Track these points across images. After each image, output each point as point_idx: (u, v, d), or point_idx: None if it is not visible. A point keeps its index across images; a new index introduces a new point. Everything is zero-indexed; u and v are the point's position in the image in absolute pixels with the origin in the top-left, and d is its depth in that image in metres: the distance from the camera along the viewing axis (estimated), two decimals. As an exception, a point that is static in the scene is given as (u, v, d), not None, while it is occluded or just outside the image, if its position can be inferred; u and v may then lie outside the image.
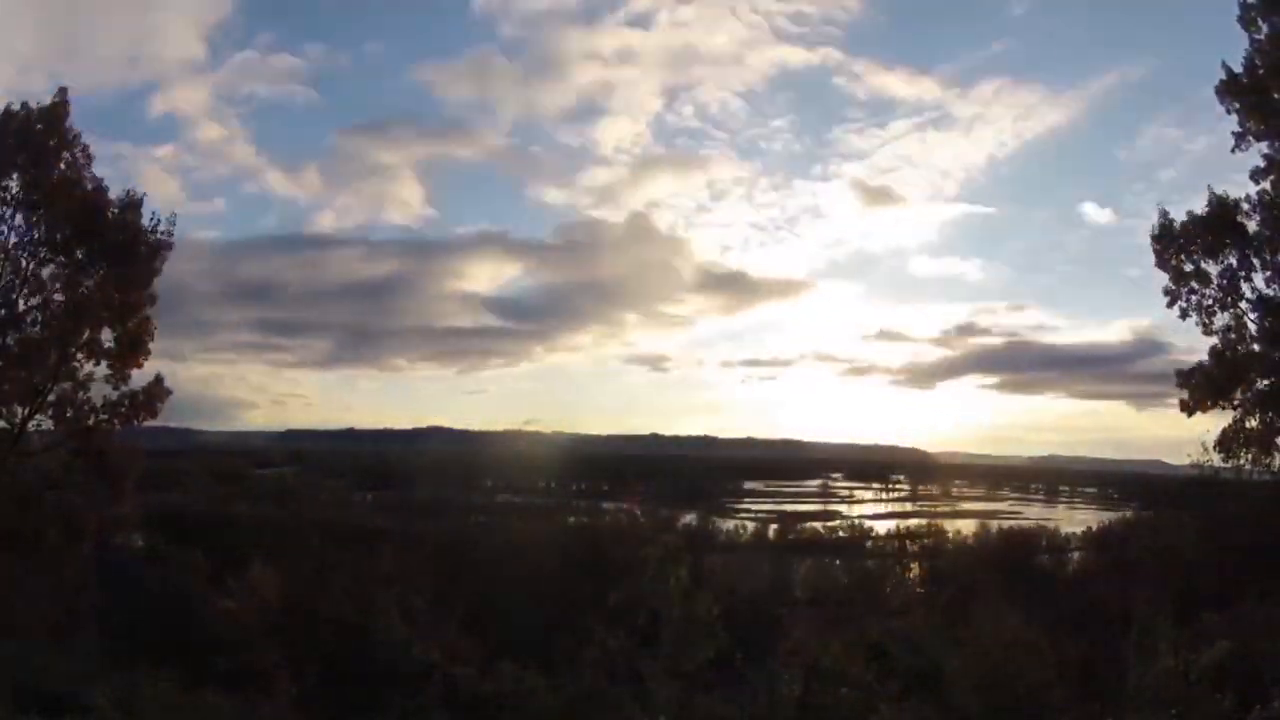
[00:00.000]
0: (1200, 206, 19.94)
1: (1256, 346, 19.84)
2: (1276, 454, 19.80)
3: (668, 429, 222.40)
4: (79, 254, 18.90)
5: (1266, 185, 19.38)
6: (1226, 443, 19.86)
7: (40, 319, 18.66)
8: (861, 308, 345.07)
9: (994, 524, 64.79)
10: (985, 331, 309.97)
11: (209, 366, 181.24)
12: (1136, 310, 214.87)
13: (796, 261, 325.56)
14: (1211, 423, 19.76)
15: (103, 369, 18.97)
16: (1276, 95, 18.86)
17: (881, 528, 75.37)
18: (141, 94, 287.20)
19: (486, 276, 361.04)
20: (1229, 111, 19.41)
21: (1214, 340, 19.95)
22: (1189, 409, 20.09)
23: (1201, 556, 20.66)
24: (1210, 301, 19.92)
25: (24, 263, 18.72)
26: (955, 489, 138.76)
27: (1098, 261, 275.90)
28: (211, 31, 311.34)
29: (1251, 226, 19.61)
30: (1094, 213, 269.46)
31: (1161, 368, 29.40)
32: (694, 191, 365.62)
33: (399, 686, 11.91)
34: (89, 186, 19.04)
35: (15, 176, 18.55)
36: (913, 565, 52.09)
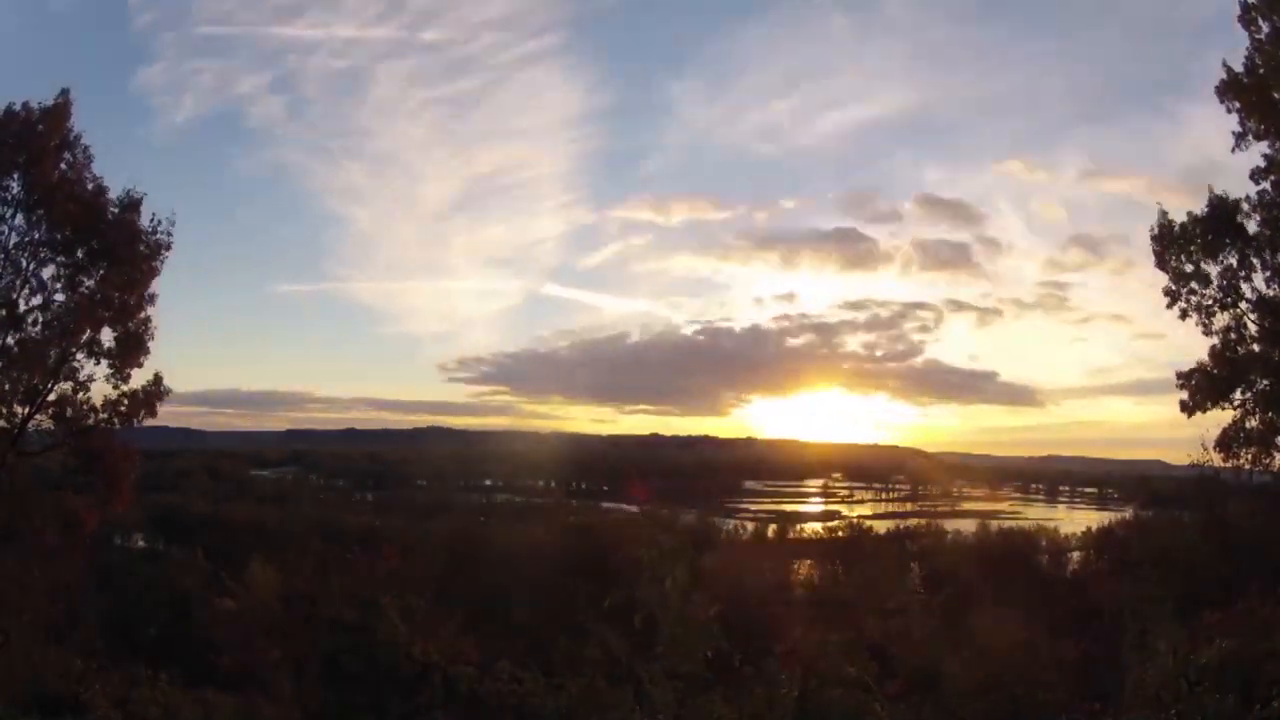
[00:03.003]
0: (1200, 207, 19.95)
1: (1256, 347, 19.84)
2: (1276, 454, 19.80)
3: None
4: (79, 254, 18.93)
5: (1266, 185, 19.38)
6: (1226, 443, 19.87)
7: (40, 319, 18.70)
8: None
9: (994, 524, 64.72)
10: None
11: None
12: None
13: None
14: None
15: (103, 369, 19.02)
16: (1276, 95, 18.85)
17: (881, 527, 75.29)
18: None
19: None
20: (1229, 111, 19.41)
21: (1214, 340, 19.97)
22: (1189, 409, 20.11)
23: (1201, 556, 20.64)
24: (1210, 302, 19.93)
25: (24, 263, 18.76)
26: (955, 489, 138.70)
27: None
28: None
29: (1251, 226, 19.61)
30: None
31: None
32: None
33: (399, 686, 11.90)
34: (89, 187, 19.07)
35: (16, 177, 18.58)
36: (912, 565, 51.99)
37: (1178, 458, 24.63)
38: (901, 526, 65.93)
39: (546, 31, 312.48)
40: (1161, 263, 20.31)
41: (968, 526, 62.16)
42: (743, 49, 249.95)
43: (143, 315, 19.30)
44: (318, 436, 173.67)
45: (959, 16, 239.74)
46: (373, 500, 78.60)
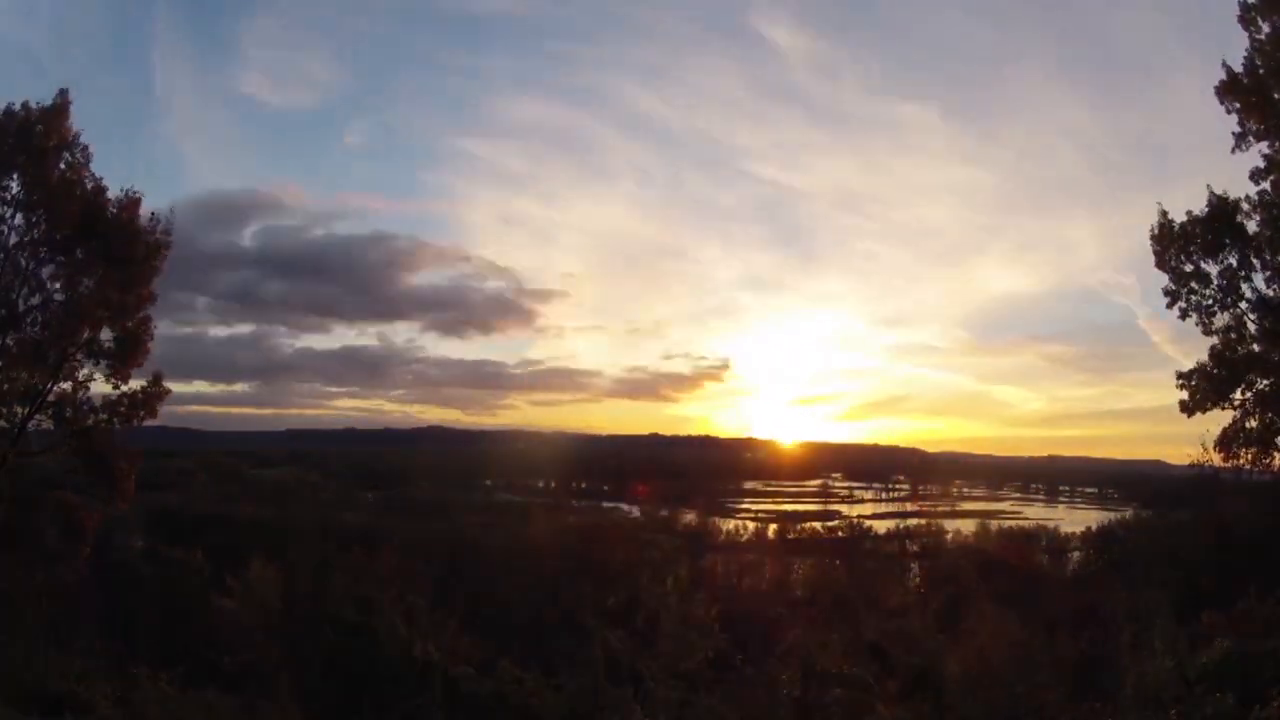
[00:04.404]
0: (1200, 206, 19.92)
1: (1256, 347, 19.82)
2: (1276, 454, 19.78)
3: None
4: (79, 254, 18.85)
5: (1266, 185, 19.36)
6: (1226, 443, 19.84)
7: (40, 319, 18.62)
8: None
9: (994, 524, 64.75)
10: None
11: None
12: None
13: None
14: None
15: (103, 369, 18.96)
16: (1276, 95, 18.83)
17: (881, 527, 75.16)
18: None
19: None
20: (1229, 111, 19.36)
21: (1214, 340, 19.93)
22: (1189, 409, 20.06)
23: (1201, 556, 20.66)
24: (1210, 302, 19.88)
25: (24, 263, 18.69)
26: (955, 489, 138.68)
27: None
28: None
29: (1251, 226, 19.58)
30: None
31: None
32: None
33: (399, 686, 11.92)
34: (89, 186, 19.00)
35: (15, 176, 18.51)
36: (912, 565, 51.99)
37: (1178, 458, 24.62)
38: (901, 526, 65.93)
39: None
40: (1161, 262, 20.26)
41: (968, 526, 62.19)
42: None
43: (142, 315, 19.22)
44: (318, 436, 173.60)
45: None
46: (373, 500, 78.51)
